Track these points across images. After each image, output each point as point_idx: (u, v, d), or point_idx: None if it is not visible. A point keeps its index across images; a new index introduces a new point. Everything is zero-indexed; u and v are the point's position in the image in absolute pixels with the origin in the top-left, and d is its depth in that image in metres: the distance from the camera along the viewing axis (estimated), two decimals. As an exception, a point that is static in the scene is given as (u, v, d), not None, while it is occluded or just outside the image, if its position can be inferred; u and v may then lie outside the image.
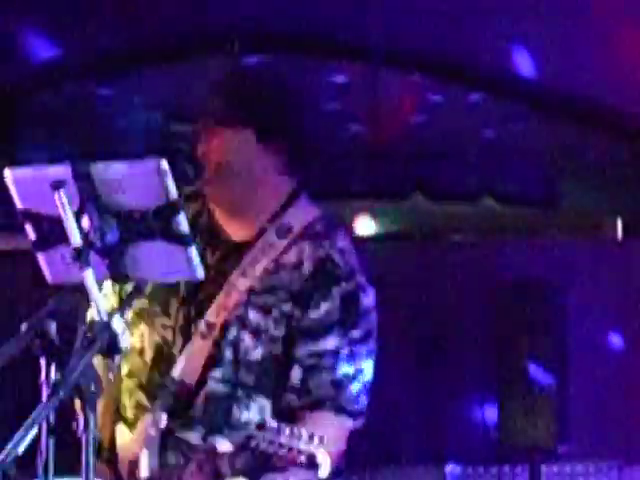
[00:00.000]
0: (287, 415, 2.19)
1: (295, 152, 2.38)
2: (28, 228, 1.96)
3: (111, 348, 1.86)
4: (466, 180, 4.81)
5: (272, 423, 1.98)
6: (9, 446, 1.62)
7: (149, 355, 2.47)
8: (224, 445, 2.16)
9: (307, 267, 2.35)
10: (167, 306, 2.45)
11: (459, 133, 4.87)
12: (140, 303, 2.45)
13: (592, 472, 4.34)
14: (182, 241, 1.94)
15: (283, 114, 2.40)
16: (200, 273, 2.05)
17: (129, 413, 2.45)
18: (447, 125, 4.94)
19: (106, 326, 1.86)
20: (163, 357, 2.45)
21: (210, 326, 2.37)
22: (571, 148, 4.84)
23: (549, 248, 4.68)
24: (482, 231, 5.01)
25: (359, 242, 2.84)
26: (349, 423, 2.25)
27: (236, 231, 2.39)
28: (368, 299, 2.34)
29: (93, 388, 1.84)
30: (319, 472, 1.91)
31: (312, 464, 1.93)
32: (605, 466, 4.33)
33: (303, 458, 1.95)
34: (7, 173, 1.93)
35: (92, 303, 1.90)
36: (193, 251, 1.96)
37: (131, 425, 2.43)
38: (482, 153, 4.82)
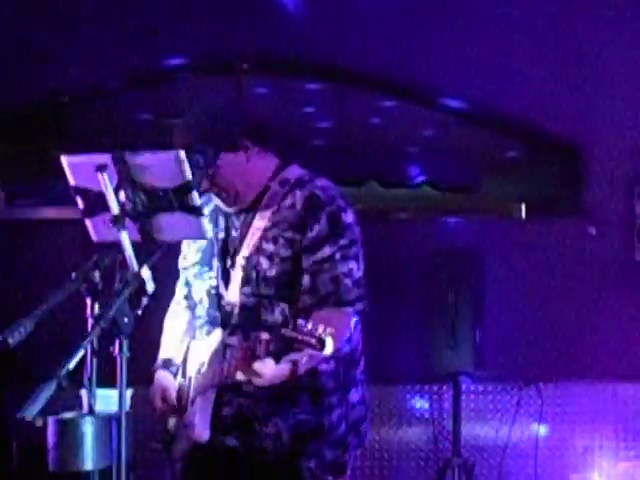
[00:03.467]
0: (302, 313, 2.41)
1: (280, 149, 2.75)
2: (78, 200, 2.28)
3: (140, 291, 2.15)
4: (410, 172, 4.92)
5: (293, 320, 2.28)
6: (62, 363, 1.96)
7: (205, 300, 2.78)
8: (264, 335, 2.34)
9: (299, 205, 2.62)
10: (210, 264, 2.77)
11: (405, 135, 4.98)
12: (194, 269, 2.81)
13: (498, 390, 4.63)
14: (194, 212, 2.26)
15: (265, 128, 2.77)
16: (209, 235, 2.46)
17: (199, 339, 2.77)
18: (396, 128, 5.01)
19: (137, 275, 2.15)
20: (214, 297, 2.75)
21: (241, 258, 2.67)
22: (490, 149, 4.99)
23: (472, 224, 4.91)
24: (422, 211, 5.12)
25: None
26: (349, 310, 2.54)
27: (242, 205, 2.70)
28: (348, 216, 2.63)
29: (125, 320, 2.09)
30: (325, 350, 2.22)
31: (322, 346, 2.22)
32: (509, 386, 4.63)
33: (314, 342, 2.23)
34: (63, 159, 2.26)
35: (126, 256, 2.19)
36: (203, 219, 2.29)
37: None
38: (423, 151, 4.93)
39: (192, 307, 2.88)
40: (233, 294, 2.68)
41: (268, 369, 2.39)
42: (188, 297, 2.90)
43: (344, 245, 2.60)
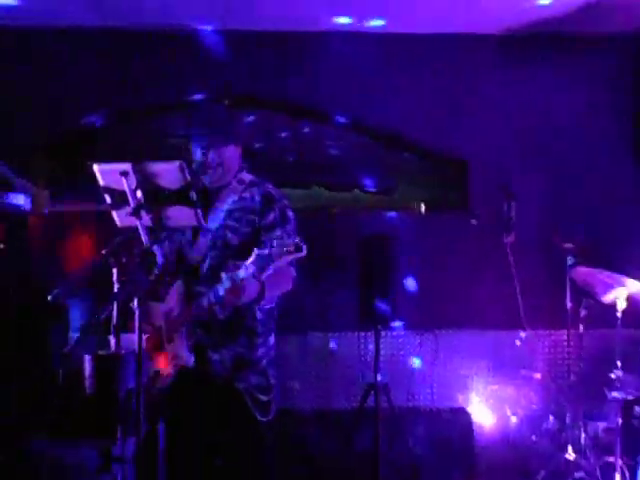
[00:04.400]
0: None
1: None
2: (106, 197, 2.30)
3: (151, 263, 2.18)
4: (344, 179, 4.88)
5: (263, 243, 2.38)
6: (94, 315, 2.00)
7: (172, 256, 2.68)
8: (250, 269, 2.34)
9: (257, 198, 2.66)
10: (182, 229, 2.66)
11: (341, 153, 4.87)
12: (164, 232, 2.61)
13: (407, 335, 4.63)
14: (192, 205, 2.29)
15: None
16: (204, 222, 2.48)
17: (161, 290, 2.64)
18: (336, 148, 4.88)
19: (149, 250, 2.20)
20: (181, 254, 2.69)
21: (209, 228, 2.63)
22: (401, 163, 4.93)
23: (388, 217, 4.81)
24: (352, 207, 4.95)
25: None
26: (292, 269, 2.59)
27: (214, 183, 2.66)
28: (290, 212, 2.69)
29: (141, 284, 2.14)
30: (303, 252, 2.25)
31: (298, 250, 2.25)
32: (414, 332, 4.65)
33: (292, 248, 2.25)
34: (95, 166, 2.29)
35: (142, 237, 2.23)
36: (198, 212, 2.31)
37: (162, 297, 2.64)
38: (355, 165, 4.87)
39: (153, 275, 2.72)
40: (197, 251, 2.64)
41: (250, 287, 2.40)
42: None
43: (288, 230, 2.63)
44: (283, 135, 4.82)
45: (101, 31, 4.44)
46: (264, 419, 2.59)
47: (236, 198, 2.68)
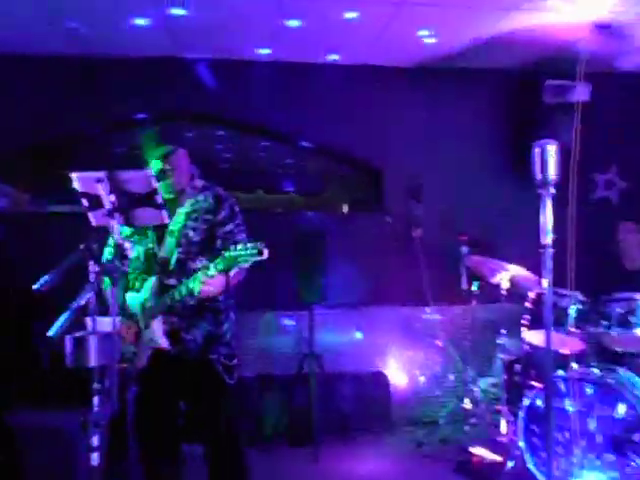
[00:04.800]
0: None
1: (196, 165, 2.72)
2: (84, 201, 2.20)
3: (123, 256, 2.12)
4: (282, 184, 4.89)
5: (229, 247, 2.27)
6: (76, 301, 1.95)
7: (142, 257, 2.67)
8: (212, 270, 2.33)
9: (210, 200, 2.64)
10: (145, 234, 2.66)
11: (279, 162, 4.92)
12: (133, 238, 2.65)
13: (335, 313, 4.55)
14: (159, 207, 2.21)
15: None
16: (167, 220, 2.35)
17: (137, 285, 2.64)
18: (273, 158, 4.91)
19: (121, 245, 2.12)
20: (150, 255, 2.66)
21: (173, 230, 2.62)
22: (329, 171, 4.98)
23: (319, 216, 4.76)
24: (289, 207, 4.93)
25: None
26: None
27: (170, 194, 2.63)
28: (238, 208, 2.67)
29: (115, 274, 2.07)
30: (264, 255, 2.23)
31: (261, 254, 2.22)
32: (340, 310, 4.58)
33: (256, 252, 2.23)
34: (73, 175, 2.17)
35: (114, 235, 2.14)
36: (164, 211, 2.24)
37: (137, 290, 2.63)
38: (290, 172, 4.87)
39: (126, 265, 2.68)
40: (166, 251, 2.61)
41: (218, 281, 2.40)
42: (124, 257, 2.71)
43: (238, 224, 2.64)
44: (220, 147, 4.77)
45: (47, 58, 4.33)
46: (231, 382, 2.60)
47: (193, 201, 2.66)
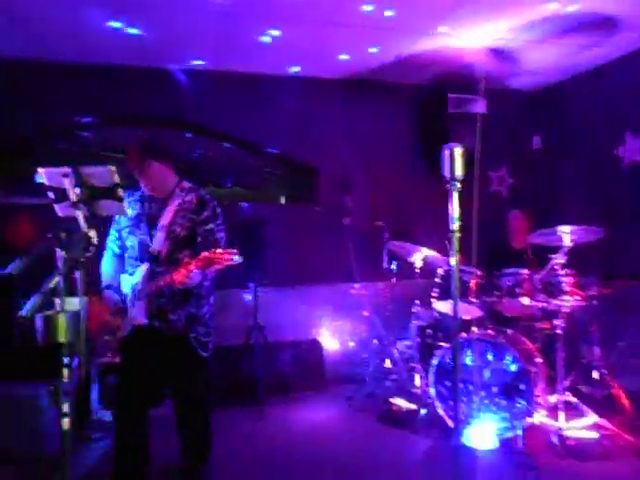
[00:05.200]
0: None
1: (178, 172, 2.68)
2: (50, 194, 2.11)
3: (88, 243, 2.03)
4: (228, 181, 4.74)
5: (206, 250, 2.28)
6: (45, 284, 1.96)
7: (136, 247, 2.64)
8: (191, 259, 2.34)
9: (194, 201, 2.60)
10: (139, 226, 2.64)
11: (231, 163, 4.77)
12: (128, 229, 2.61)
13: (273, 290, 4.42)
14: (119, 199, 2.12)
15: (167, 151, 2.66)
16: (127, 212, 2.39)
17: (130, 270, 2.63)
18: (226, 160, 4.78)
19: (86, 234, 2.03)
20: (143, 245, 2.63)
21: (163, 226, 2.60)
22: (271, 170, 4.87)
23: (260, 207, 4.73)
24: (235, 200, 4.73)
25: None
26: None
27: (159, 194, 2.62)
28: (219, 209, 2.63)
29: (81, 259, 1.99)
30: (238, 260, 2.25)
31: (235, 259, 2.24)
32: (279, 288, 4.49)
33: (230, 257, 2.24)
34: (40, 170, 2.08)
35: (80, 224, 2.05)
36: (125, 203, 2.16)
37: (130, 274, 2.61)
38: (234, 170, 4.74)
39: (123, 252, 2.69)
40: (157, 243, 2.59)
41: (196, 276, 2.39)
42: (120, 247, 2.71)
43: (219, 224, 2.61)
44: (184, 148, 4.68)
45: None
46: (205, 354, 2.62)
47: (180, 201, 2.62)
